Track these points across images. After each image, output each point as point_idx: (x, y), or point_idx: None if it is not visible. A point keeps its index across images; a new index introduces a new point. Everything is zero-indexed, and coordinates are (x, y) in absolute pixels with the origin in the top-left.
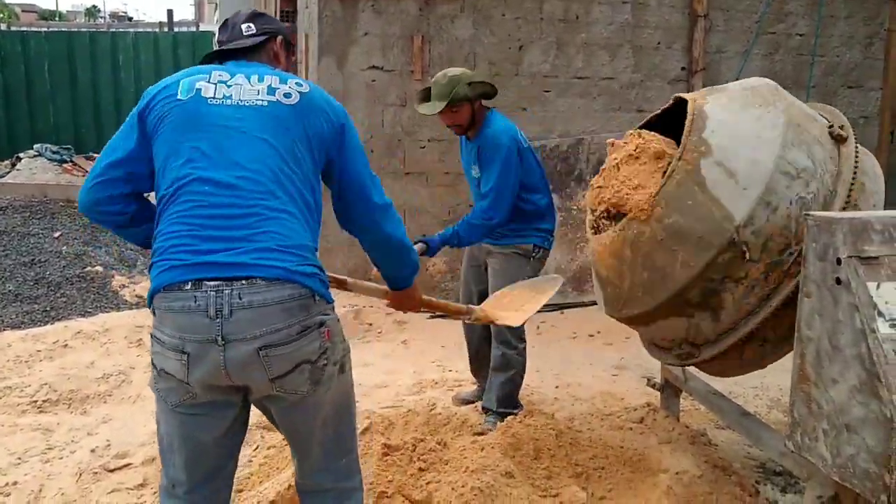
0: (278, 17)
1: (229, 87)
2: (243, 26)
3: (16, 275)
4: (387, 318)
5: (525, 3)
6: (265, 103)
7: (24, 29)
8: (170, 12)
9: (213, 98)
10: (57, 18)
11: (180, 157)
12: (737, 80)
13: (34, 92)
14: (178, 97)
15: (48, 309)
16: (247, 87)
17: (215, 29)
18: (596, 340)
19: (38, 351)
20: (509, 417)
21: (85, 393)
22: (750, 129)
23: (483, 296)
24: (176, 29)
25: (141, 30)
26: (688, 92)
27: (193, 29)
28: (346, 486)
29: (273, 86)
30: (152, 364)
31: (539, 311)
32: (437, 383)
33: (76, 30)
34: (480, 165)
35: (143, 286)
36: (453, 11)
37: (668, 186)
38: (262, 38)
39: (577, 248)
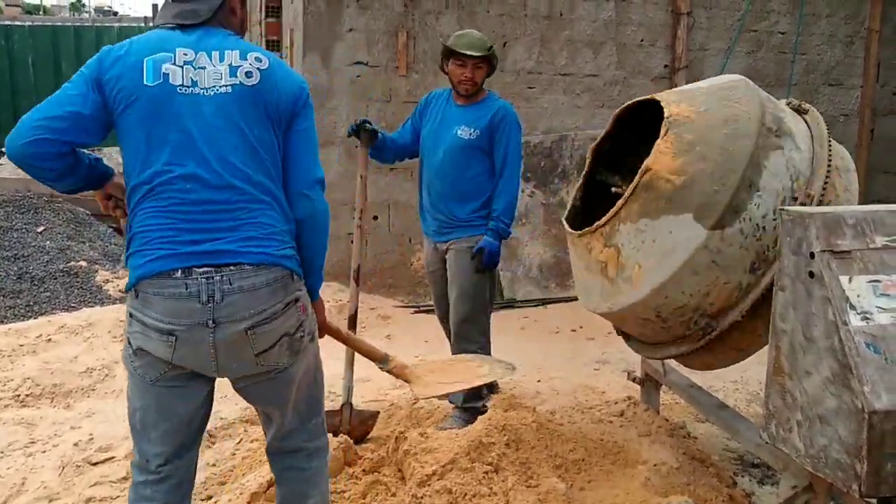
0: (264, 13)
1: (195, 69)
2: None
3: None
4: (371, 313)
5: None
6: (229, 89)
7: (7, 23)
8: (155, 7)
9: (183, 86)
10: (41, 12)
11: (158, 150)
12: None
13: (18, 86)
14: (145, 82)
15: (31, 304)
16: (210, 69)
17: None
18: (578, 335)
19: (21, 345)
20: (490, 410)
21: (68, 387)
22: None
23: (445, 297)
24: None
25: (126, 24)
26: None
27: None
28: (315, 446)
29: (234, 64)
30: (128, 342)
31: (523, 306)
32: None
33: (60, 24)
34: (495, 135)
35: (127, 280)
36: (438, 7)
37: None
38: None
39: (560, 244)
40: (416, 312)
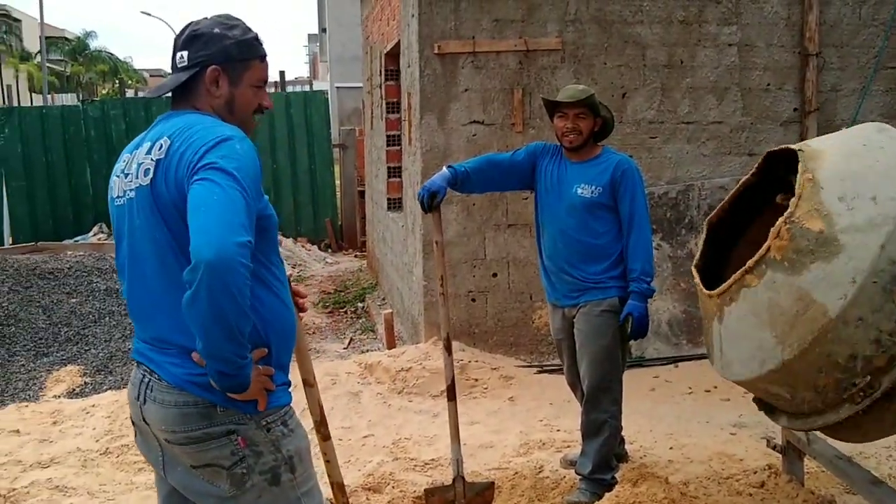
0: (383, 77)
1: (126, 176)
2: (177, 56)
3: None
4: (493, 374)
5: (627, 50)
6: (133, 194)
7: (147, 96)
8: (282, 73)
9: (118, 198)
10: None
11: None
12: (854, 119)
13: None
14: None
15: None
16: (133, 173)
17: (327, 87)
18: (712, 395)
19: None
20: (618, 485)
21: None
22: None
23: (577, 365)
24: (289, 88)
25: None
26: (801, 133)
27: (307, 88)
28: None
29: (140, 161)
30: None
31: (652, 365)
32: (544, 444)
33: None
34: (618, 190)
35: None
36: (553, 63)
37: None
38: (187, 73)
39: (690, 298)
40: (539, 372)
